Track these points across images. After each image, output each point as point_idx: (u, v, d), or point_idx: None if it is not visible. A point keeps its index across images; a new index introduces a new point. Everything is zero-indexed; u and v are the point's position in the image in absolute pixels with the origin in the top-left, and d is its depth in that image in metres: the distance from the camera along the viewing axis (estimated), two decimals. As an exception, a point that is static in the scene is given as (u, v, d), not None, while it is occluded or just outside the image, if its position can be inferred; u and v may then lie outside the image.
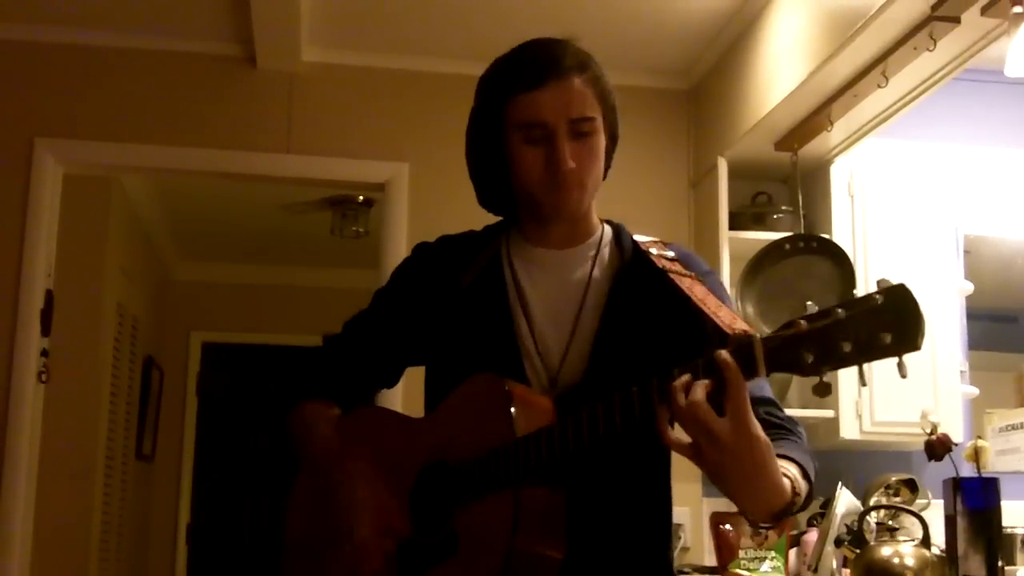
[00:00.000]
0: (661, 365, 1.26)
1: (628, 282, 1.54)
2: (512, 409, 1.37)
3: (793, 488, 1.27)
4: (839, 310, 1.12)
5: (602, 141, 1.54)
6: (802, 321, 1.14)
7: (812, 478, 1.35)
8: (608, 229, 1.62)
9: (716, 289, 1.49)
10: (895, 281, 1.11)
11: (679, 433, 1.24)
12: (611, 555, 1.48)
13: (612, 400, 1.27)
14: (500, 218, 1.66)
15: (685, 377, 1.20)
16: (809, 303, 1.16)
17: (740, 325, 1.26)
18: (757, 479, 1.21)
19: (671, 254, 1.56)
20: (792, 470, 1.30)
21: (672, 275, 1.49)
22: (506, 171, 1.55)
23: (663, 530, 1.56)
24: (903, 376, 1.12)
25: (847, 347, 1.11)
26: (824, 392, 1.15)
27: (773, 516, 1.27)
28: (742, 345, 1.19)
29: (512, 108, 1.51)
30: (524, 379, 1.49)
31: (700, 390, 1.19)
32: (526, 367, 1.50)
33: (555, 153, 1.48)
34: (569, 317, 1.52)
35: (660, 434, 1.22)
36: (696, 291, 1.43)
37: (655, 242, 1.59)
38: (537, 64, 1.51)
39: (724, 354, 1.18)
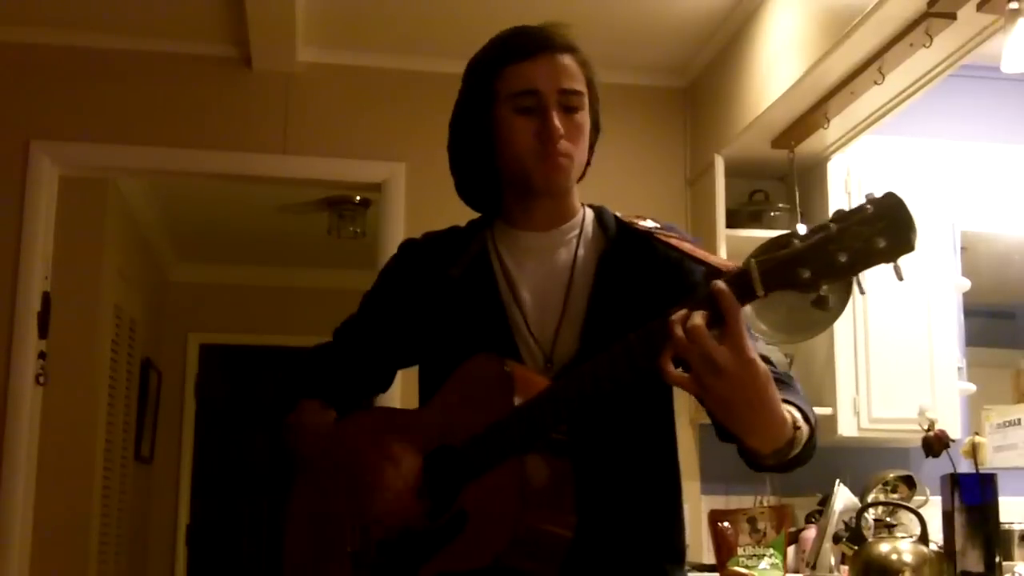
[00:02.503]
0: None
1: (614, 256, 1.57)
2: (514, 385, 1.38)
3: (794, 423, 1.29)
4: (831, 224, 1.14)
5: (588, 121, 1.57)
6: (795, 240, 1.16)
7: (813, 424, 1.35)
8: (589, 211, 1.65)
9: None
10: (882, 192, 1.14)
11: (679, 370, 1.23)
12: (617, 533, 1.48)
13: (612, 351, 1.28)
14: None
15: (682, 312, 1.21)
16: (799, 225, 1.18)
17: (732, 264, 1.27)
18: (760, 407, 1.22)
19: (653, 224, 1.58)
20: (793, 410, 1.31)
21: (658, 234, 1.52)
22: (492, 151, 1.57)
23: (670, 512, 1.58)
24: (900, 279, 1.15)
25: (843, 257, 1.12)
26: (824, 305, 1.17)
27: (777, 452, 1.28)
28: (737, 273, 1.20)
29: (503, 78, 1.54)
30: (520, 362, 1.50)
31: (698, 317, 1.19)
32: (521, 350, 1.52)
33: (546, 122, 1.51)
34: (559, 297, 1.54)
35: (661, 370, 1.22)
36: (684, 246, 1.47)
37: (635, 216, 1.61)
38: (529, 39, 1.56)
39: (718, 283, 1.20)
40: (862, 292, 1.19)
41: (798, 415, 1.32)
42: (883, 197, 1.12)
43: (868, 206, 1.12)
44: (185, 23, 3.73)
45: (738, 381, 1.19)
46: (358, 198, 5.33)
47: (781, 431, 1.27)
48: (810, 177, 3.67)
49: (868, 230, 1.11)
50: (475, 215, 1.69)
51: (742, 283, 1.19)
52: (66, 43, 3.78)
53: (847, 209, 1.15)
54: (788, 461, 1.32)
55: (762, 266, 1.18)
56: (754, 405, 1.22)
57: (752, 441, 1.27)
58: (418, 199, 3.79)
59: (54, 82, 3.77)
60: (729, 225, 3.64)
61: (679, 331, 1.19)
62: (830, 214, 3.70)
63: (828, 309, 1.18)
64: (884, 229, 1.11)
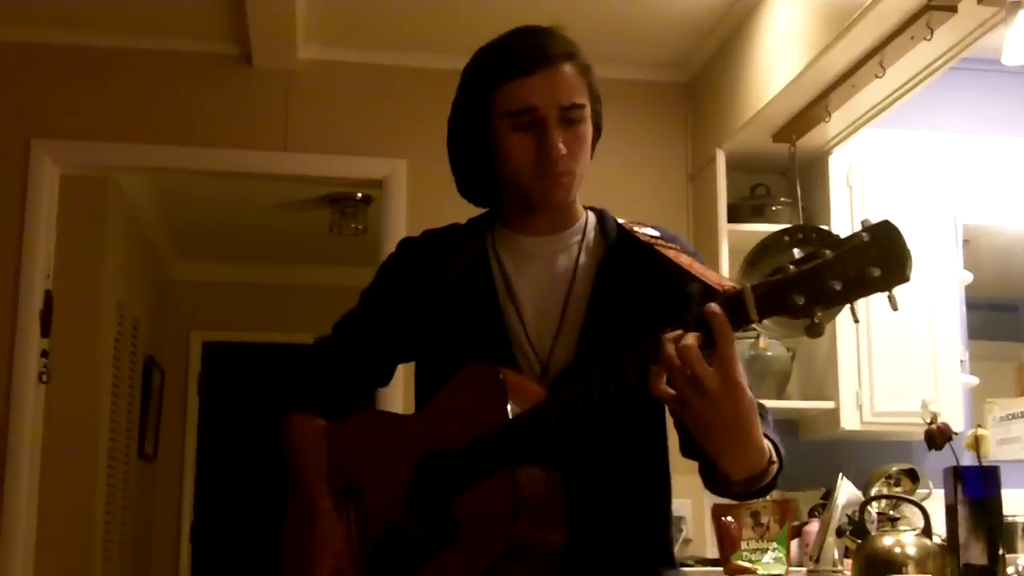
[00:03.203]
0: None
1: (615, 265, 1.55)
2: (507, 393, 1.38)
3: (770, 458, 1.30)
4: (826, 251, 1.14)
5: (590, 129, 1.53)
6: (790, 266, 1.16)
7: (783, 460, 1.36)
8: (591, 215, 1.62)
9: (702, 263, 1.50)
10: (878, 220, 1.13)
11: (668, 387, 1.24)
12: (610, 539, 1.48)
13: (604, 367, 1.28)
14: (484, 210, 1.66)
15: (676, 332, 1.22)
16: (796, 250, 1.17)
17: (729, 283, 1.27)
18: (740, 431, 1.23)
19: (655, 232, 1.56)
20: (769, 444, 1.32)
21: (657, 247, 1.50)
22: (491, 160, 1.55)
23: (661, 516, 1.57)
24: (894, 309, 1.14)
25: (837, 285, 1.12)
26: (817, 333, 1.16)
27: (751, 479, 1.29)
28: (731, 296, 1.20)
29: (500, 95, 1.49)
30: (515, 368, 1.49)
31: (691, 338, 1.20)
32: (517, 356, 1.51)
33: (546, 141, 1.47)
34: (557, 304, 1.52)
35: (651, 386, 1.22)
36: (682, 259, 1.45)
37: (636, 223, 1.59)
38: (526, 52, 1.50)
39: (712, 306, 1.20)
40: (856, 320, 1.20)
41: (771, 447, 1.33)
42: (878, 225, 1.12)
43: (864, 234, 1.12)
44: (186, 21, 3.73)
45: (722, 404, 1.20)
46: (359, 195, 5.33)
47: (757, 460, 1.28)
48: (811, 171, 3.67)
49: (862, 258, 1.11)
50: (476, 211, 1.68)
51: (736, 307, 1.19)
52: (66, 42, 3.78)
53: (843, 235, 1.15)
54: (752, 491, 1.34)
55: (756, 290, 1.18)
56: (733, 430, 1.22)
57: (725, 465, 1.28)
58: (419, 195, 3.79)
59: (55, 81, 3.77)
60: (731, 219, 3.63)
61: (671, 350, 1.20)
62: (832, 208, 3.69)
63: (822, 335, 1.17)
64: (878, 258, 1.11)
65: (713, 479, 1.36)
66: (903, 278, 1.11)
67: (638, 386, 1.26)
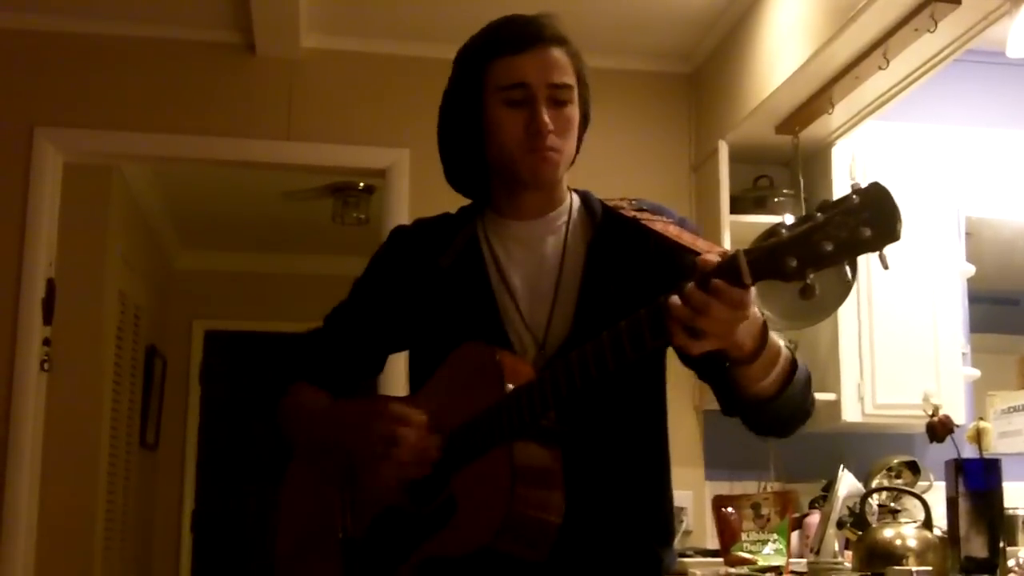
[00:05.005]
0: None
1: (602, 241, 1.58)
2: (504, 374, 1.40)
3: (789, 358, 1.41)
4: (817, 214, 1.16)
5: (577, 114, 1.58)
6: (782, 230, 1.18)
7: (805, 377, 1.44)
8: (575, 197, 1.65)
9: (692, 230, 1.53)
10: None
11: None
12: (607, 516, 1.49)
13: (601, 339, 1.31)
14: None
15: (690, 285, 1.24)
16: (786, 216, 1.19)
17: (719, 249, 1.29)
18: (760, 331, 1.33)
19: (638, 206, 1.59)
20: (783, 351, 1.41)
21: (644, 222, 1.53)
22: (481, 141, 1.58)
23: (659, 494, 1.58)
24: (885, 268, 1.17)
25: (828, 246, 1.14)
26: (809, 294, 1.18)
27: (783, 383, 1.39)
28: (725, 262, 1.22)
29: (493, 71, 1.55)
30: (510, 350, 1.51)
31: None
32: (511, 337, 1.52)
33: (535, 116, 1.52)
34: (550, 284, 1.55)
35: (672, 335, 1.24)
36: (670, 230, 1.48)
37: (622, 199, 1.63)
38: (519, 32, 1.56)
39: (716, 281, 1.22)
40: (853, 279, 1.22)
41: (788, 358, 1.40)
42: (869, 187, 1.14)
43: (854, 196, 1.14)
44: (189, 9, 3.73)
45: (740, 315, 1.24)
46: (362, 184, 5.32)
47: (779, 357, 1.38)
48: (814, 163, 3.67)
49: (853, 219, 1.13)
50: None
51: (731, 272, 1.21)
52: (69, 30, 3.77)
53: (833, 200, 1.17)
54: (790, 398, 1.39)
55: (749, 255, 1.19)
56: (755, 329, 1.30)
57: (757, 372, 1.34)
58: (422, 185, 3.79)
59: (58, 69, 3.77)
60: (733, 211, 3.63)
61: (698, 295, 1.22)
62: (834, 200, 3.66)
63: (813, 297, 1.19)
64: (869, 219, 1.12)
65: (757, 412, 1.41)
66: (894, 237, 1.13)
67: (634, 356, 1.28)
